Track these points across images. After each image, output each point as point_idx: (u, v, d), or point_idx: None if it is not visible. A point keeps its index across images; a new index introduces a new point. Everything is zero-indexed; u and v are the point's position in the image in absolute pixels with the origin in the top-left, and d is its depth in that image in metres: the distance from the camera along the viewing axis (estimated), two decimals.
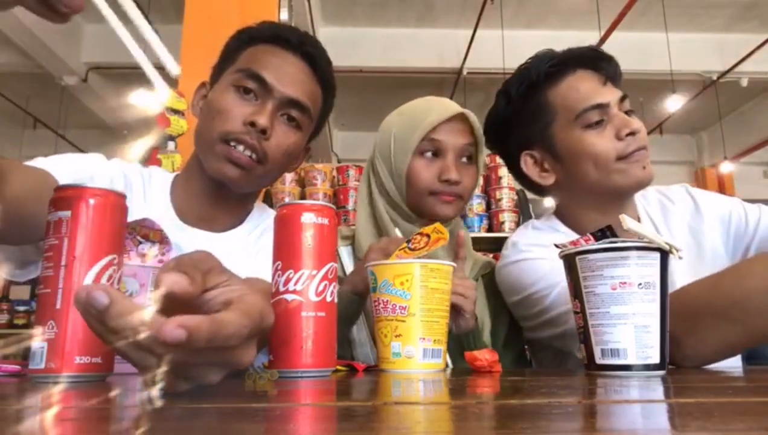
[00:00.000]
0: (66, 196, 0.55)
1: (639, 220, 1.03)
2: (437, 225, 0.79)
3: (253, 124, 0.86)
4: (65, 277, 0.53)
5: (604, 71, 0.99)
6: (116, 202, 0.58)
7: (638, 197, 1.08)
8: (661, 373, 0.61)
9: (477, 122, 1.05)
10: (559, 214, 1.08)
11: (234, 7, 3.18)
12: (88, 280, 0.53)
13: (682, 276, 0.87)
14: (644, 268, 0.62)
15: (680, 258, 0.63)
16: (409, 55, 6.09)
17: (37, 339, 0.52)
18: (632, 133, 0.94)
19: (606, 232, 0.68)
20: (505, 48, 5.49)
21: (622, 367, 0.61)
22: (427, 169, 1.02)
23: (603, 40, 4.98)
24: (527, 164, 1.04)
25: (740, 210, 1.03)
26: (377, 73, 6.15)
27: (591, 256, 0.63)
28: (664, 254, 0.63)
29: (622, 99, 0.98)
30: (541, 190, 1.09)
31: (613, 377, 0.58)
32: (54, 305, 0.52)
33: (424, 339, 0.69)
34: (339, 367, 0.72)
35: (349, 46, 6.06)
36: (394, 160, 1.04)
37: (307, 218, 0.62)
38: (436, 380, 0.59)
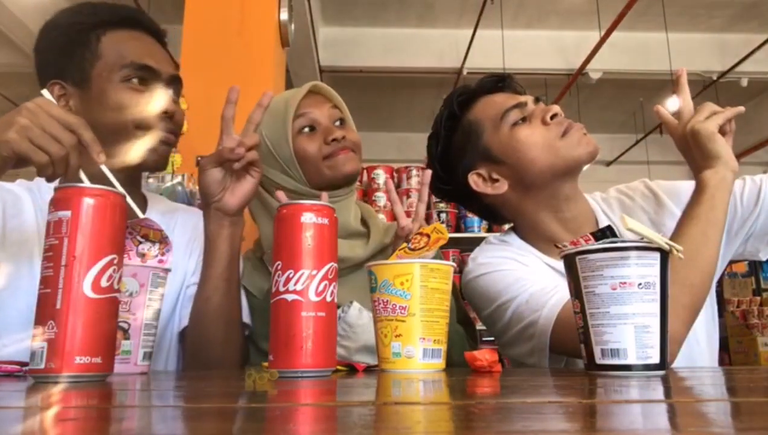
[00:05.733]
0: (66, 196, 0.55)
1: (596, 221, 1.05)
2: (437, 225, 0.79)
3: (167, 113, 0.94)
4: (65, 277, 0.53)
5: (509, 89, 1.07)
6: (116, 202, 0.58)
7: (598, 200, 1.10)
8: (661, 373, 0.61)
9: (331, 90, 1.10)
10: (516, 227, 1.10)
11: (234, 7, 3.18)
12: (88, 280, 0.53)
13: None
14: (644, 268, 0.61)
15: (681, 258, 0.63)
16: (409, 55, 6.09)
17: (37, 339, 0.52)
18: (555, 115, 0.99)
19: (606, 232, 0.68)
20: (505, 48, 5.48)
21: (622, 367, 0.61)
22: (311, 142, 1.05)
23: (603, 40, 4.97)
24: (477, 184, 1.05)
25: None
26: (377, 73, 6.14)
27: (591, 256, 0.63)
28: (664, 254, 0.63)
29: (537, 100, 1.04)
30: (500, 215, 1.10)
31: (613, 377, 0.58)
32: (54, 305, 0.52)
33: (424, 339, 0.69)
34: (339, 367, 0.72)
35: (349, 46, 6.06)
36: (279, 155, 1.05)
37: (307, 218, 0.62)
38: (436, 380, 0.59)
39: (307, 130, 1.06)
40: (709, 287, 0.85)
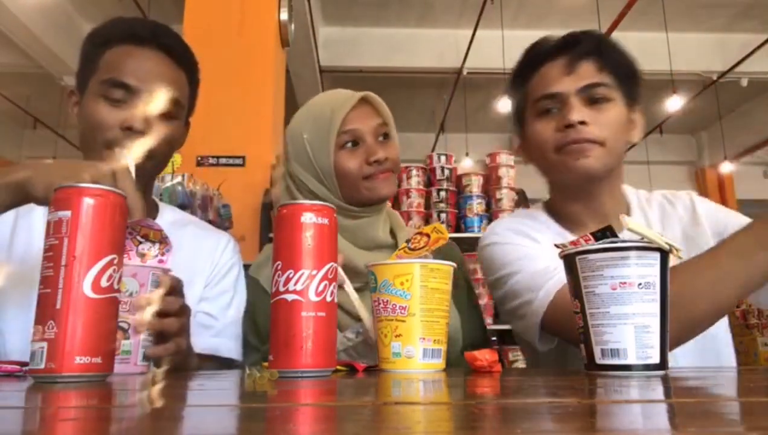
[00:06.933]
0: (66, 196, 0.55)
1: (628, 212, 1.04)
2: (437, 225, 0.79)
3: (130, 128, 0.91)
4: (65, 277, 0.53)
5: (578, 55, 0.98)
6: (116, 202, 0.58)
7: (641, 197, 1.08)
8: (661, 373, 0.61)
9: (380, 101, 1.07)
10: (548, 202, 1.10)
11: (234, 7, 3.18)
12: (88, 280, 0.53)
13: None
14: (644, 268, 0.61)
15: (680, 258, 0.63)
16: (409, 55, 6.09)
17: (37, 339, 0.52)
18: (570, 126, 0.94)
19: (606, 232, 0.68)
20: (505, 48, 5.48)
21: (622, 367, 0.61)
22: (352, 158, 1.03)
23: None
24: (514, 144, 1.08)
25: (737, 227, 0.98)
26: (377, 73, 6.14)
27: (591, 256, 0.63)
28: (664, 254, 0.63)
29: (592, 86, 0.97)
30: None
31: (613, 377, 0.58)
32: (54, 305, 0.52)
33: (424, 339, 0.69)
34: (339, 367, 0.72)
35: (349, 46, 6.06)
36: (317, 164, 1.04)
37: (307, 218, 0.62)
38: (436, 380, 0.59)
39: (350, 145, 1.03)
40: (706, 319, 0.80)
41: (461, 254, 1.22)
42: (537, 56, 1.02)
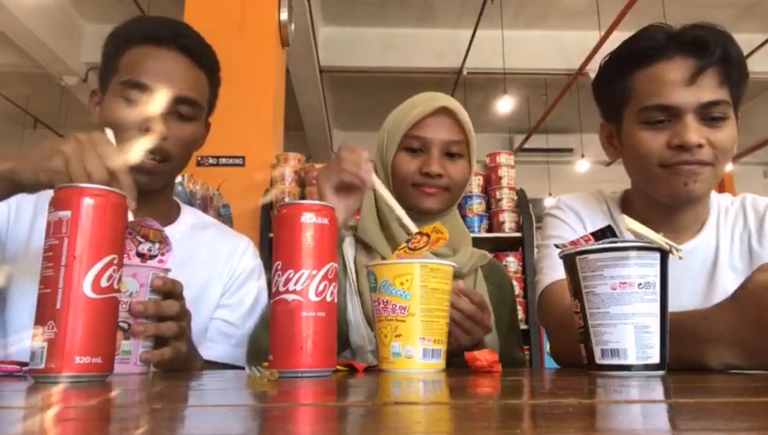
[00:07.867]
0: (66, 196, 0.55)
1: (702, 227, 0.99)
2: (437, 225, 0.79)
3: (149, 129, 0.91)
4: (65, 277, 0.53)
5: (704, 61, 0.88)
6: (116, 202, 0.58)
7: (721, 207, 1.01)
8: (661, 373, 0.61)
9: (465, 116, 1.05)
10: (629, 192, 1.06)
11: (234, 7, 3.18)
12: (88, 280, 0.53)
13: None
14: (644, 268, 0.61)
15: (680, 258, 0.63)
16: (409, 55, 6.09)
17: (37, 339, 0.52)
18: (681, 146, 0.87)
19: (606, 232, 0.68)
20: (505, 48, 5.49)
21: (622, 367, 0.61)
22: (409, 162, 1.04)
23: (603, 40, 4.98)
24: (602, 133, 1.03)
25: None
26: (377, 73, 6.14)
27: (591, 256, 0.63)
28: (664, 254, 0.63)
29: (713, 104, 0.88)
30: None
31: (613, 377, 0.58)
32: (54, 305, 0.52)
33: (424, 339, 0.69)
34: (339, 367, 0.72)
35: (349, 46, 6.06)
36: (385, 154, 1.07)
37: (307, 218, 0.62)
38: (436, 380, 0.59)
39: (412, 149, 1.04)
40: None
41: (510, 278, 1.24)
42: (649, 49, 0.92)
